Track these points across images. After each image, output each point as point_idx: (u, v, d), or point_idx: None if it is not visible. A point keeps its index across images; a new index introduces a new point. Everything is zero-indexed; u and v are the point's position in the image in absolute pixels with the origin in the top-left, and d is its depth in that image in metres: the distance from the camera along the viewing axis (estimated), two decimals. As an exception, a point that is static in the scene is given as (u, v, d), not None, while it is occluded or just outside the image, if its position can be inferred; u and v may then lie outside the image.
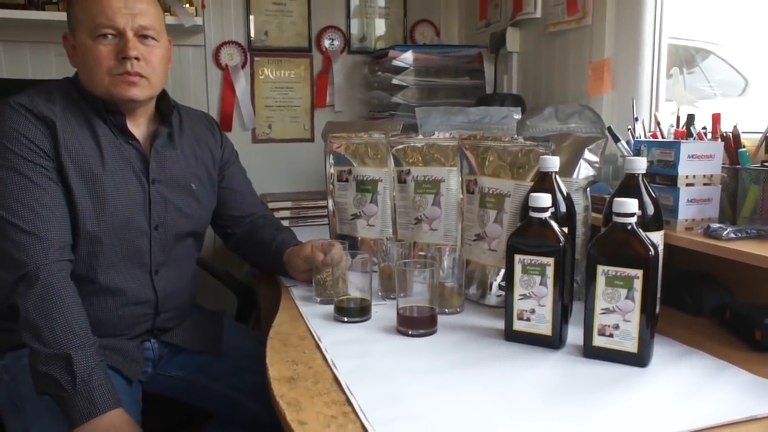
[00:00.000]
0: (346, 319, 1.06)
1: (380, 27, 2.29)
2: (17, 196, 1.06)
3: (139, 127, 1.22)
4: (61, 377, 0.98)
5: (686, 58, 1.69)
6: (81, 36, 1.13)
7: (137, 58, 1.12)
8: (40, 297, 1.02)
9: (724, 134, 1.13)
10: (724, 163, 1.10)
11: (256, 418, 1.29)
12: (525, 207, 1.02)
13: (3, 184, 1.06)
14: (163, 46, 1.19)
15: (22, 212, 1.05)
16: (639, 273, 0.85)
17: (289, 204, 1.95)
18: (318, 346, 0.95)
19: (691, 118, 1.21)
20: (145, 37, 1.15)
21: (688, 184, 1.07)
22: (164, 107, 1.26)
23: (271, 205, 1.89)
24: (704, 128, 1.20)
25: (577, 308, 1.00)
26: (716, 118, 1.17)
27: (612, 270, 0.87)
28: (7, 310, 1.06)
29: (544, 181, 1.03)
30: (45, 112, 1.10)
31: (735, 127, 1.12)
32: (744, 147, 1.09)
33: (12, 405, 1.10)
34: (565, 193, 1.05)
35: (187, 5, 1.92)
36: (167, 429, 1.34)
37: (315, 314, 1.09)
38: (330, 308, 1.10)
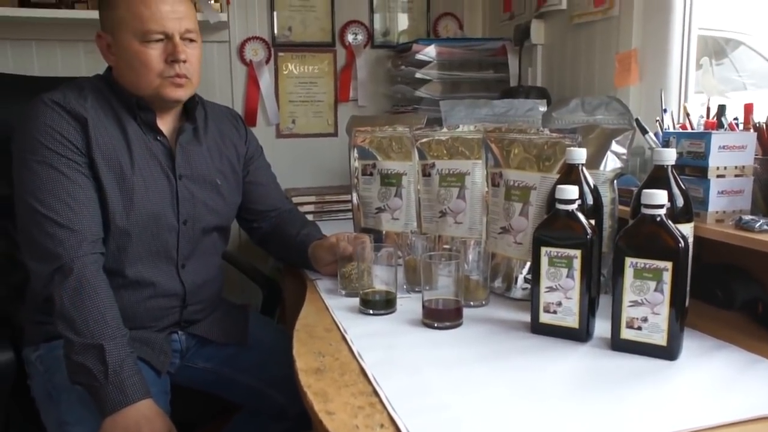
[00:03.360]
0: (371, 311, 1.07)
1: (403, 21, 2.29)
2: (51, 190, 1.08)
3: (166, 123, 1.24)
4: (94, 367, 1.00)
5: (715, 49, 1.66)
6: (125, 38, 1.13)
7: (185, 61, 1.15)
8: (74, 289, 1.04)
9: (757, 124, 1.10)
10: (756, 155, 1.08)
11: (283, 409, 1.30)
12: (551, 200, 1.01)
13: (38, 179, 1.09)
14: (200, 45, 1.21)
15: (56, 206, 1.08)
16: (668, 265, 0.84)
17: (313, 198, 1.96)
18: (344, 338, 0.95)
19: (722, 109, 1.19)
20: (189, 39, 1.17)
21: (718, 176, 1.05)
22: (189, 103, 1.27)
23: (295, 200, 1.90)
24: (735, 119, 1.17)
25: (604, 302, 1.00)
26: (749, 108, 1.14)
27: (641, 262, 0.86)
28: (42, 303, 1.09)
29: (570, 174, 1.03)
30: (77, 109, 1.13)
31: (768, 117, 1.09)
32: (778, 137, 1.07)
33: (47, 395, 1.13)
34: (592, 186, 1.04)
35: (212, 1, 1.93)
36: (196, 420, 1.36)
37: (340, 307, 1.10)
38: (355, 301, 1.10)
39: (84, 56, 1.91)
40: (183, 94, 1.18)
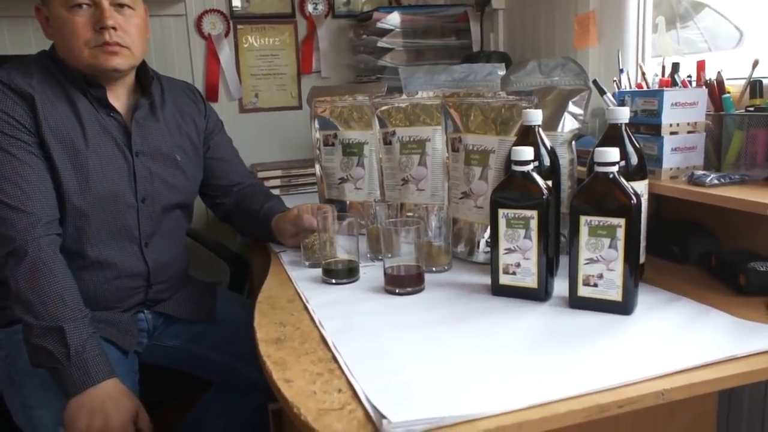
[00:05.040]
0: (334, 280, 1.07)
1: (365, -11, 2.25)
2: (1, 172, 1.05)
3: (119, 99, 1.21)
4: (55, 349, 0.99)
5: (679, 12, 1.66)
6: (55, 7, 1.11)
7: (114, 28, 1.11)
8: (30, 271, 1.02)
9: (708, 81, 1.11)
10: (708, 111, 1.09)
11: (254, 384, 1.30)
12: (509, 162, 1.02)
13: (-16, 161, 1.06)
14: (140, 14, 1.18)
15: (6, 188, 1.05)
16: (621, 222, 0.85)
17: (279, 173, 1.94)
18: (306, 308, 0.96)
19: (675, 67, 1.20)
20: (121, 6, 1.13)
21: (672, 133, 1.06)
22: (144, 77, 1.24)
23: (261, 175, 1.89)
24: (689, 77, 1.19)
25: (564, 262, 1.01)
26: (701, 66, 1.16)
27: (595, 220, 0.87)
28: (-1, 287, 1.07)
29: (527, 135, 1.03)
30: (22, 86, 1.09)
31: (719, 73, 1.11)
32: (728, 93, 1.08)
33: (9, 380, 1.12)
34: (549, 147, 1.04)
35: (166, -26, 1.88)
36: (167, 397, 1.37)
37: (303, 278, 1.10)
38: (318, 271, 1.10)
39: (33, 33, 1.84)
40: (121, 62, 1.14)
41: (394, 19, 1.95)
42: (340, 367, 0.74)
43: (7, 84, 1.09)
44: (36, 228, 1.05)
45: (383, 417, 0.61)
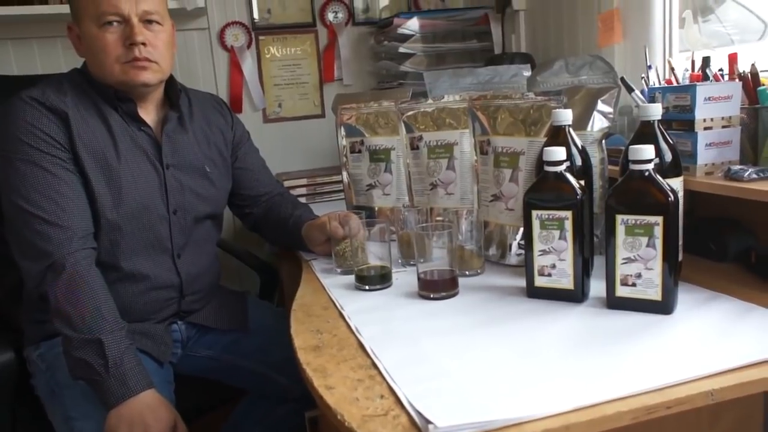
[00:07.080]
0: (367, 287, 1.07)
1: (383, -4, 2.25)
2: (37, 188, 1.08)
3: (149, 113, 1.23)
4: (94, 361, 1.00)
5: (701, 5, 1.64)
6: (86, 25, 1.13)
7: (144, 44, 1.13)
8: (67, 285, 1.04)
9: (742, 74, 1.09)
10: (742, 104, 1.07)
11: (287, 391, 1.31)
12: (540, 163, 1.01)
13: (23, 177, 1.08)
14: (168, 30, 1.20)
15: (43, 204, 1.07)
16: (659, 219, 0.84)
17: (304, 181, 1.95)
18: (341, 315, 0.96)
19: (706, 61, 1.18)
20: (150, 22, 1.15)
21: (706, 128, 1.04)
22: (172, 91, 1.26)
23: (286, 184, 1.90)
24: (720, 70, 1.17)
25: (599, 263, 0.99)
26: (733, 58, 1.14)
27: (631, 219, 0.86)
28: (38, 301, 1.09)
29: (557, 136, 1.02)
30: (57, 104, 1.11)
31: (753, 65, 1.09)
32: (764, 85, 1.06)
33: (51, 392, 1.14)
34: (579, 147, 1.03)
35: (188, -12, 1.90)
36: (201, 407, 1.37)
37: (336, 285, 1.10)
38: (351, 278, 1.10)
39: (63, 52, 1.88)
40: (150, 77, 1.16)
41: (413, 24, 1.95)
42: (380, 373, 0.74)
43: (42, 102, 1.11)
44: (72, 242, 1.07)
45: (428, 422, 0.61)
